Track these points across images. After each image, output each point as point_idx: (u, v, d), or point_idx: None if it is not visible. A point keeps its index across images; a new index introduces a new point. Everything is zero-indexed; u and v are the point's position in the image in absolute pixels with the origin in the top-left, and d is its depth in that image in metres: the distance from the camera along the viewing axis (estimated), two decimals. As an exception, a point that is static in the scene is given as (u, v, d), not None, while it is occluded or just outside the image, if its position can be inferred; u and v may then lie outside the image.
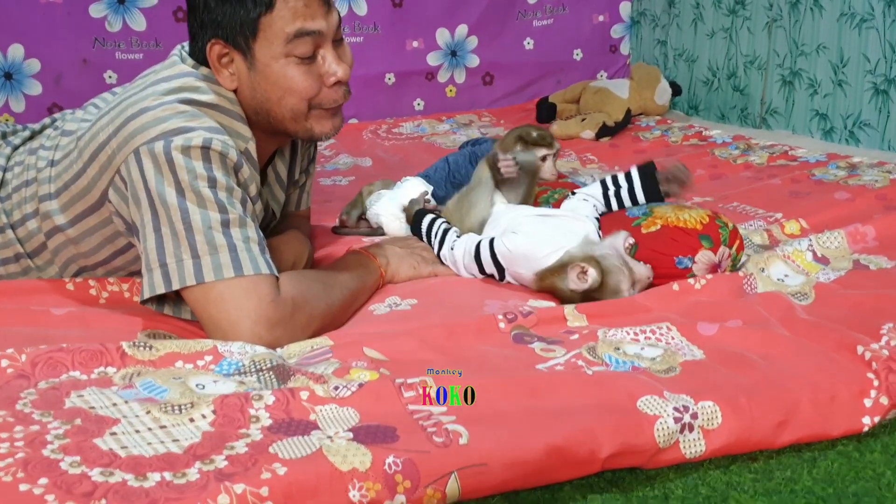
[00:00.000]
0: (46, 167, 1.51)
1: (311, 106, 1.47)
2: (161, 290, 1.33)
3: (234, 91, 1.46)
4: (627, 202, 1.70)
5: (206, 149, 1.35)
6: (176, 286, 1.32)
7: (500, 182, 1.77)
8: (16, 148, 1.61)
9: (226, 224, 1.34)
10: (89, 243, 1.50)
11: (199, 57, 1.47)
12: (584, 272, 1.49)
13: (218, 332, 1.31)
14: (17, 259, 1.56)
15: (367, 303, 1.55)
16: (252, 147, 1.48)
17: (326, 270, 1.53)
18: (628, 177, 1.70)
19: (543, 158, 2.03)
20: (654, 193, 1.68)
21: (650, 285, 1.57)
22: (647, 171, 1.69)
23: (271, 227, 1.73)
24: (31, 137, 1.64)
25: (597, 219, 1.68)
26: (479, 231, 1.72)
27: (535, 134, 2.02)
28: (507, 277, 1.61)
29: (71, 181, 1.46)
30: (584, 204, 1.71)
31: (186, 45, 1.52)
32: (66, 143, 1.50)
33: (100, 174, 1.42)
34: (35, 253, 1.55)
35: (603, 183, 1.73)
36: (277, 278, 1.36)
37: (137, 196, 1.35)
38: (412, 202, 1.86)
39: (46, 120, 1.68)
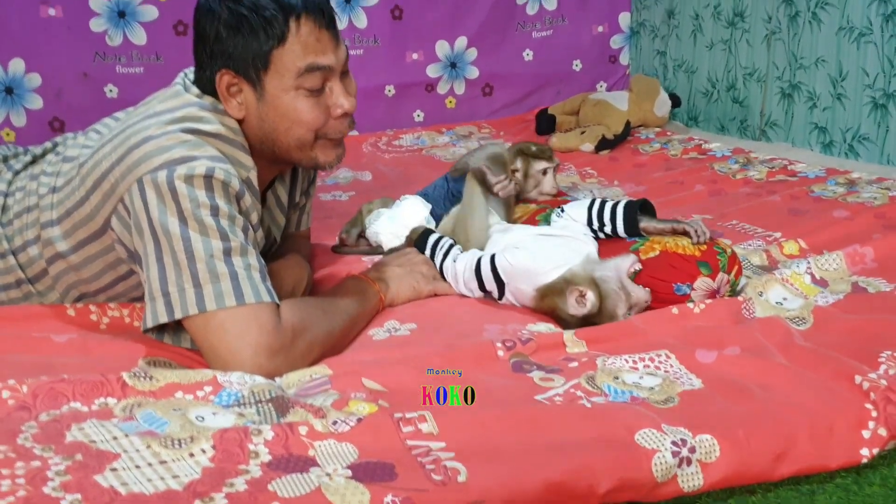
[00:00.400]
0: (48, 193, 1.51)
1: (318, 136, 1.50)
2: (164, 319, 1.33)
3: (241, 120, 1.48)
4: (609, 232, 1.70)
5: (208, 177, 1.36)
6: (178, 315, 1.33)
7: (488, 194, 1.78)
8: (17, 173, 1.61)
9: (227, 252, 1.34)
10: (91, 270, 1.51)
11: (204, 85, 1.48)
12: (583, 296, 1.49)
13: (218, 362, 1.32)
14: (18, 285, 1.56)
15: (366, 327, 1.56)
16: (253, 176, 1.49)
17: (326, 297, 1.54)
18: (613, 216, 1.68)
19: (544, 172, 2.05)
20: (636, 231, 1.67)
21: (648, 308, 1.58)
22: (632, 217, 1.67)
23: (272, 251, 1.73)
24: (33, 162, 1.64)
25: (594, 238, 1.69)
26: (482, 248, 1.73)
27: (534, 148, 2.05)
28: (507, 294, 1.62)
29: (73, 208, 1.47)
30: (576, 224, 1.71)
31: (190, 72, 1.53)
32: (68, 170, 1.51)
33: (103, 202, 1.42)
34: (36, 279, 1.55)
35: (589, 210, 1.71)
36: (278, 306, 1.37)
37: (140, 225, 1.36)
38: (414, 230, 1.86)
39: (48, 144, 1.68)
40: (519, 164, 2.04)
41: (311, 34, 1.43)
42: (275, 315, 1.34)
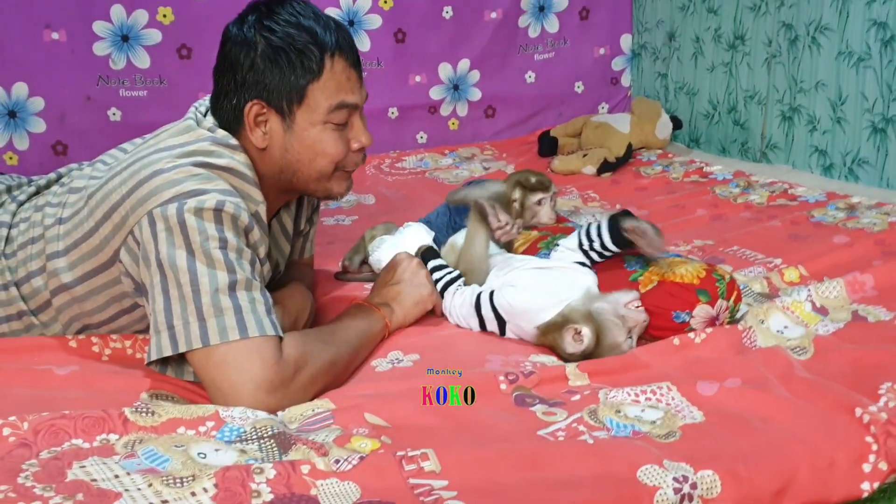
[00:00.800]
0: (54, 224, 1.52)
1: (336, 168, 1.55)
2: (168, 352, 1.34)
3: (263, 149, 1.51)
4: (605, 253, 1.68)
5: (218, 211, 1.37)
6: (182, 349, 1.33)
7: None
8: (21, 204, 1.62)
9: (233, 285, 1.35)
10: (95, 302, 1.51)
11: (226, 113, 1.50)
12: (579, 333, 1.50)
13: (220, 396, 1.32)
14: (19, 316, 1.57)
15: (370, 356, 1.56)
16: (262, 210, 1.50)
17: (329, 327, 1.54)
18: (598, 230, 1.67)
19: (539, 202, 2.07)
20: (624, 242, 1.65)
21: (648, 332, 1.59)
22: (614, 223, 1.66)
23: (276, 279, 1.74)
24: (37, 193, 1.65)
25: (591, 265, 1.69)
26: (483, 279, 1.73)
27: (533, 179, 2.06)
28: (508, 333, 1.62)
29: (81, 239, 1.47)
30: (572, 254, 1.70)
31: (201, 105, 1.55)
32: (75, 201, 1.51)
33: (112, 234, 1.43)
34: (39, 310, 1.55)
35: (579, 234, 1.71)
36: (281, 338, 1.37)
37: (148, 258, 1.37)
38: (418, 249, 1.85)
39: (52, 175, 1.69)
40: (517, 194, 2.07)
41: (343, 72, 1.49)
42: (277, 349, 1.35)
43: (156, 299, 1.36)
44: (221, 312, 1.33)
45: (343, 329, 1.53)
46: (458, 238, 1.85)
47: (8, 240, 1.57)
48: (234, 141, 1.49)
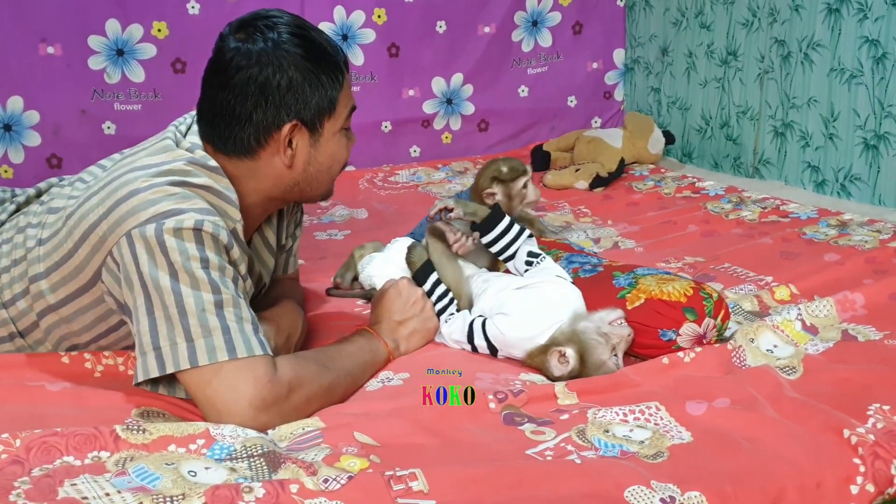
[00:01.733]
0: (35, 246, 1.50)
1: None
2: (155, 373, 1.34)
3: (288, 167, 1.48)
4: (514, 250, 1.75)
5: (197, 230, 1.35)
6: (170, 370, 1.33)
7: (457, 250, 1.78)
8: (1, 224, 1.61)
9: (219, 305, 1.35)
10: (82, 321, 1.51)
11: (238, 141, 1.45)
12: (564, 355, 1.51)
13: (213, 414, 1.32)
14: (10, 338, 1.56)
15: None
16: (240, 228, 1.48)
17: (331, 351, 1.53)
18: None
19: (525, 186, 1.96)
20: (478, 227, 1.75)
21: (634, 349, 1.60)
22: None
23: (261, 294, 1.74)
24: (17, 211, 1.63)
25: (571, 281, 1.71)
26: (468, 301, 1.74)
27: (505, 169, 1.96)
28: (500, 356, 1.63)
29: (62, 261, 1.46)
30: (547, 268, 1.72)
31: (182, 124, 1.53)
32: (53, 221, 1.49)
33: (91, 255, 1.41)
34: (27, 332, 1.54)
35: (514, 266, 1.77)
36: (272, 356, 1.37)
37: (130, 279, 1.36)
38: (417, 256, 1.84)
39: (30, 191, 1.66)
40: (497, 189, 1.99)
41: (348, 77, 1.51)
42: (269, 367, 1.35)
43: (140, 321, 1.35)
44: (209, 332, 1.33)
45: (346, 357, 1.52)
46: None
47: None
48: (212, 163, 1.46)
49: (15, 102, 3.07)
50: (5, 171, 3.09)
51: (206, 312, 1.33)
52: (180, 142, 1.49)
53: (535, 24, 3.73)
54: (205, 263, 1.36)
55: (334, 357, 1.50)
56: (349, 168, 3.42)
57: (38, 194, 1.65)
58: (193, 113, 1.54)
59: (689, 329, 1.57)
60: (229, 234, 1.41)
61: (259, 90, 1.41)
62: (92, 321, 1.50)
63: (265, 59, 1.41)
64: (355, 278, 2.03)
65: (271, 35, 1.41)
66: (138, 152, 1.49)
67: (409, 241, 2.02)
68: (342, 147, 1.54)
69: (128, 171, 1.43)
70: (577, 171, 3.18)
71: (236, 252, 1.44)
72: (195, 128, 1.51)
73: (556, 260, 1.88)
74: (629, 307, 1.61)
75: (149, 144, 1.51)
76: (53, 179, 1.67)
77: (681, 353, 1.54)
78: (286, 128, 1.44)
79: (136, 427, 1.25)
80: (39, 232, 1.51)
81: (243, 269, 1.48)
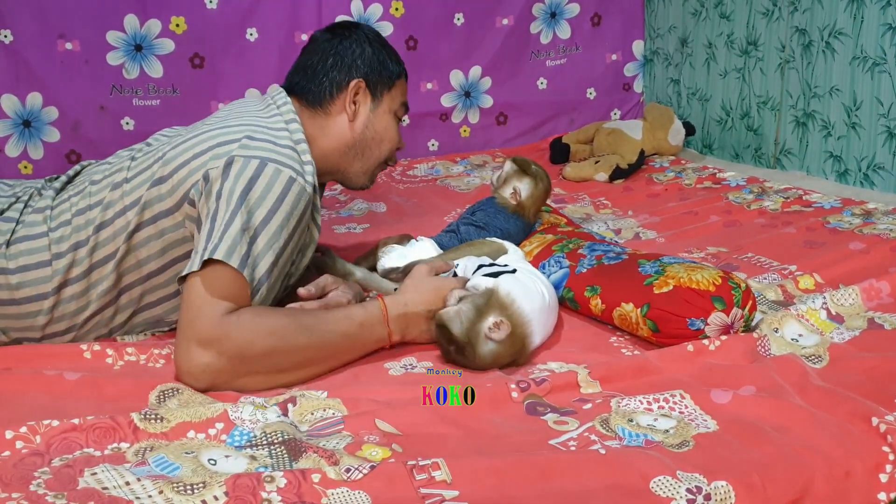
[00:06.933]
0: (114, 188, 1.62)
1: (386, 159, 1.85)
2: (195, 267, 1.44)
3: (351, 121, 1.76)
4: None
5: (290, 182, 1.52)
6: (195, 268, 1.44)
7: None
8: (53, 198, 1.67)
9: (264, 244, 1.48)
10: (149, 250, 1.59)
11: (319, 88, 1.75)
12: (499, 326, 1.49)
13: (184, 321, 1.43)
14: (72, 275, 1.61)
15: (382, 359, 1.55)
16: (318, 199, 1.67)
17: (318, 315, 1.54)
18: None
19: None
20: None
21: (661, 340, 1.58)
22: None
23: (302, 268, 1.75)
24: (62, 189, 1.71)
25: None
26: None
27: (534, 168, 2.15)
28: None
29: (153, 184, 1.57)
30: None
31: (277, 95, 1.73)
32: (138, 163, 1.63)
33: (188, 176, 1.54)
34: (86, 273, 1.61)
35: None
36: (252, 298, 1.47)
37: (211, 190, 1.50)
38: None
39: (63, 177, 1.73)
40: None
41: (406, 81, 1.86)
42: (241, 297, 1.45)
43: (205, 223, 1.49)
44: (232, 251, 1.44)
45: (332, 323, 1.52)
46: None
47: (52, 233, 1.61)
48: (305, 140, 1.65)
49: (34, 98, 3.08)
50: (25, 167, 3.11)
51: (242, 241, 1.45)
52: (281, 108, 1.70)
53: (553, 15, 3.71)
54: (274, 210, 1.50)
55: (319, 322, 1.51)
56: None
57: (71, 178, 1.74)
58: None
59: (717, 318, 1.54)
60: (309, 201, 1.59)
61: (338, 53, 1.77)
62: (159, 249, 1.59)
63: (346, 36, 1.78)
64: (373, 267, 2.03)
65: (352, 27, 1.81)
66: (240, 110, 1.68)
67: (432, 244, 2.02)
68: (394, 131, 1.82)
69: (243, 122, 1.61)
70: (596, 163, 3.16)
71: (309, 216, 1.62)
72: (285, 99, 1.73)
73: (577, 249, 1.87)
74: (656, 292, 1.58)
75: (250, 106, 1.71)
76: (84, 162, 1.80)
77: (706, 341, 1.52)
78: (353, 83, 1.75)
79: (153, 416, 1.25)
80: (118, 175, 1.63)
81: (308, 237, 1.67)
